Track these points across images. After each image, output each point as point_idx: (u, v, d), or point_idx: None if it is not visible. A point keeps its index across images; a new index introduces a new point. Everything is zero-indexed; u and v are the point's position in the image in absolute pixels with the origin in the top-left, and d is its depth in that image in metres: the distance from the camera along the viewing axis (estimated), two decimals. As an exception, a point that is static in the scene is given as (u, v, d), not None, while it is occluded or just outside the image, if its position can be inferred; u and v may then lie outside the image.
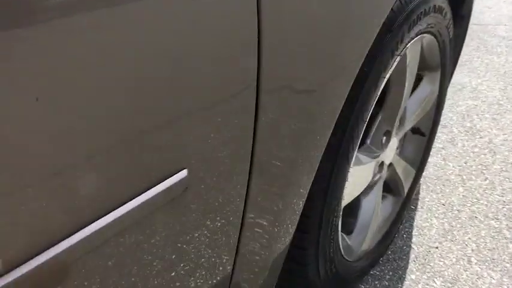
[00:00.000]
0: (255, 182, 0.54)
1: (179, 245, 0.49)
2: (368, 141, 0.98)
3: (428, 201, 1.53)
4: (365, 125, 0.77)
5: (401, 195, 1.30)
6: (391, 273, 1.27)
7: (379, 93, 0.80)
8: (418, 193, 1.59)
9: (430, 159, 1.76)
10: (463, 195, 1.55)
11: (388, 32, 0.74)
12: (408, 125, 1.14)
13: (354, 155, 0.81)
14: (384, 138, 1.03)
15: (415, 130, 1.32)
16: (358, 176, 0.89)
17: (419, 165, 1.35)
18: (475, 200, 1.52)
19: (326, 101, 0.61)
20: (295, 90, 0.55)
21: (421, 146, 1.34)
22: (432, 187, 1.59)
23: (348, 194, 0.86)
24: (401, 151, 1.31)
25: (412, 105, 1.13)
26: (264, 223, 0.61)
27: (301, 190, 0.64)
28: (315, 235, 0.75)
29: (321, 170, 0.68)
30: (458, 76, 2.32)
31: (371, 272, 1.25)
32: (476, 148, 1.78)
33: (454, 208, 1.49)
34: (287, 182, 0.61)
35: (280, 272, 0.71)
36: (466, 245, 1.35)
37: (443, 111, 2.11)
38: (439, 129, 1.93)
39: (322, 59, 0.58)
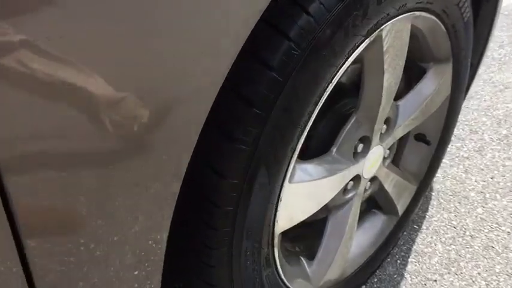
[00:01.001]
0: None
1: None
2: (334, 150, 0.77)
3: (436, 221, 1.28)
4: (301, 130, 0.56)
5: (394, 214, 1.07)
6: (371, 307, 1.06)
7: (328, 88, 0.59)
8: (426, 210, 1.33)
9: (448, 170, 1.49)
10: (480, 218, 1.27)
11: (339, 1, 0.52)
12: (401, 131, 0.90)
13: (291, 169, 0.61)
14: (361, 146, 0.81)
15: (418, 137, 1.07)
16: (306, 195, 0.69)
17: (423, 180, 1.11)
18: (495, 226, 1.25)
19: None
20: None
21: (425, 157, 1.09)
22: (445, 204, 1.33)
23: (287, 218, 0.66)
24: (396, 162, 1.07)
25: (408, 106, 0.90)
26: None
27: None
28: (225, 271, 0.57)
29: (222, 190, 0.50)
30: (503, 74, 1.97)
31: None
32: (509, 161, 1.47)
33: (467, 233, 1.23)
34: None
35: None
36: (474, 281, 1.10)
37: (475, 113, 1.81)
38: (468, 135, 1.64)
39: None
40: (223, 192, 0.52)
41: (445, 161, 1.49)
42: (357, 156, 0.81)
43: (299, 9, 0.52)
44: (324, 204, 0.74)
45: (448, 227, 1.26)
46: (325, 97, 0.60)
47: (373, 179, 0.93)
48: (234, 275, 0.59)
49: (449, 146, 1.21)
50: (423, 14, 0.73)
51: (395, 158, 1.10)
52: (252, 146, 0.50)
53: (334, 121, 0.77)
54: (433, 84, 0.91)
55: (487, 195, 1.35)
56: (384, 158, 0.92)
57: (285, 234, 0.91)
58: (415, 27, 0.78)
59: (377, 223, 1.07)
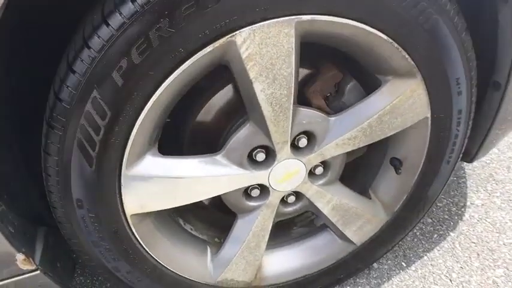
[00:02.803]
0: None
1: None
2: (221, 153, 0.74)
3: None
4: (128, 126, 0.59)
5: (348, 241, 0.95)
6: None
7: (157, 92, 0.58)
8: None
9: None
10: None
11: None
12: (334, 150, 0.77)
13: (125, 159, 0.64)
14: (261, 155, 0.75)
15: (392, 161, 0.91)
16: (157, 187, 0.70)
17: (398, 213, 0.93)
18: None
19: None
20: None
21: (400, 187, 0.91)
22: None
23: (136, 204, 0.70)
24: (364, 184, 0.94)
25: (343, 123, 0.76)
26: None
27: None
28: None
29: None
30: None
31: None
32: None
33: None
34: None
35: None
36: None
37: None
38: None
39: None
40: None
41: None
42: (256, 165, 0.77)
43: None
44: (185, 201, 0.74)
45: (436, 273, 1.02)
46: (154, 98, 0.61)
47: (301, 195, 0.85)
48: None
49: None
50: (325, 18, 0.62)
51: (364, 179, 0.96)
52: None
53: (222, 125, 0.74)
54: (384, 101, 0.76)
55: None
56: (315, 175, 0.83)
57: (202, 220, 0.95)
58: (334, 33, 0.66)
59: (330, 245, 0.97)
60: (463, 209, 1.21)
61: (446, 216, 1.19)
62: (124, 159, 0.66)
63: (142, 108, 0.61)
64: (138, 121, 0.63)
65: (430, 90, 0.76)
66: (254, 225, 0.84)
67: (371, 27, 0.65)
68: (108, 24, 0.55)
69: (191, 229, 0.92)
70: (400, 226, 0.97)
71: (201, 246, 0.90)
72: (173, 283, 0.85)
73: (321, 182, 0.84)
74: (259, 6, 0.57)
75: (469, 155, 0.98)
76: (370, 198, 0.94)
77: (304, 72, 0.80)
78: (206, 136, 0.80)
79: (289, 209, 0.88)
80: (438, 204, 1.23)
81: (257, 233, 0.85)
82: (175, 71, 0.60)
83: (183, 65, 0.60)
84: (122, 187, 0.68)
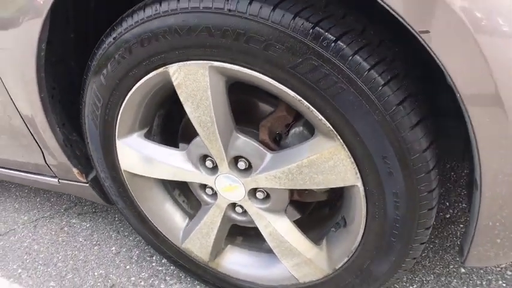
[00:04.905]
0: None
1: None
2: (185, 149, 0.93)
3: None
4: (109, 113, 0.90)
5: (292, 275, 0.99)
6: None
7: (126, 98, 0.85)
8: None
9: None
10: None
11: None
12: (265, 182, 0.83)
13: (117, 131, 0.95)
14: (209, 163, 0.91)
15: (342, 217, 0.88)
16: (136, 157, 0.97)
17: (340, 271, 0.91)
18: None
19: None
20: None
21: (345, 245, 0.88)
22: None
23: (127, 164, 1.00)
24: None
25: (277, 160, 0.82)
26: None
27: None
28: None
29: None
30: None
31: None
32: None
33: None
34: None
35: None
36: None
37: None
38: None
39: None
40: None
41: None
42: (207, 169, 0.93)
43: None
44: (158, 176, 0.99)
45: None
46: (127, 97, 0.87)
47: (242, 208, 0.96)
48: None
49: None
50: (231, 66, 0.71)
51: (324, 225, 0.96)
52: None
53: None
54: (305, 154, 0.77)
55: None
56: (256, 197, 0.92)
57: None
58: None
59: (279, 267, 1.04)
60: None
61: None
62: (116, 131, 0.97)
63: (121, 102, 0.90)
64: (120, 109, 0.91)
65: (355, 160, 0.72)
66: (206, 216, 1.02)
67: (276, 81, 0.70)
68: (103, 42, 0.84)
69: (183, 201, 1.17)
70: (342, 286, 0.93)
71: (183, 215, 1.14)
72: (153, 231, 1.15)
73: (261, 205, 0.93)
74: (178, 49, 0.74)
75: (462, 256, 0.83)
76: (319, 245, 0.94)
77: (264, 107, 0.89)
78: (188, 134, 1.01)
79: (239, 218, 1.01)
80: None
81: (207, 224, 1.03)
82: (137, 83, 0.85)
83: (140, 80, 0.84)
84: (117, 148, 1.00)
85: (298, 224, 0.96)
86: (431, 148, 0.68)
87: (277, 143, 0.88)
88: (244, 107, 0.91)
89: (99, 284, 1.30)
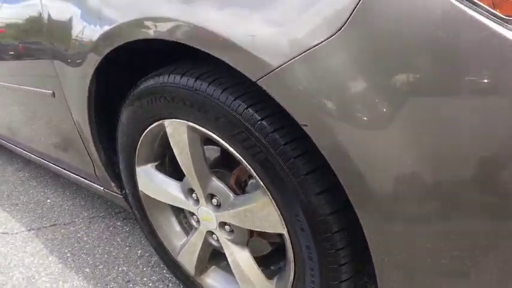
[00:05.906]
0: None
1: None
2: (181, 182, 1.18)
3: None
4: (131, 147, 1.20)
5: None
6: None
7: (143, 135, 1.14)
8: None
9: None
10: None
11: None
12: (229, 218, 1.04)
13: (136, 160, 1.25)
14: (195, 195, 1.15)
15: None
16: (151, 183, 1.25)
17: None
18: None
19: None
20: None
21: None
22: None
23: (146, 189, 1.28)
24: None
25: (235, 203, 1.03)
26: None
27: None
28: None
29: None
30: None
31: None
32: None
33: None
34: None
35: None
36: None
37: None
38: None
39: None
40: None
41: None
42: (192, 200, 1.18)
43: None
44: (163, 200, 1.26)
45: None
46: (142, 137, 1.17)
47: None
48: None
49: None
50: (202, 129, 0.95)
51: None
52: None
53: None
54: (247, 202, 0.97)
55: None
56: (224, 229, 1.12)
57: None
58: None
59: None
60: None
61: None
62: (135, 160, 1.27)
63: (139, 138, 1.20)
64: (138, 144, 1.22)
65: (281, 212, 0.90)
66: (192, 237, 1.26)
67: (226, 143, 0.93)
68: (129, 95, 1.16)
69: (186, 222, 1.42)
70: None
71: (182, 233, 1.39)
72: (158, 242, 1.42)
73: (228, 236, 1.14)
74: (167, 111, 1.02)
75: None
76: (271, 280, 1.11)
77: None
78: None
79: (214, 243, 1.22)
80: None
81: (192, 244, 1.26)
82: (147, 129, 1.14)
83: (149, 127, 1.13)
84: (136, 172, 1.31)
85: (267, 259, 1.13)
86: (336, 214, 0.83)
87: (242, 188, 1.09)
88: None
89: (119, 277, 1.61)
